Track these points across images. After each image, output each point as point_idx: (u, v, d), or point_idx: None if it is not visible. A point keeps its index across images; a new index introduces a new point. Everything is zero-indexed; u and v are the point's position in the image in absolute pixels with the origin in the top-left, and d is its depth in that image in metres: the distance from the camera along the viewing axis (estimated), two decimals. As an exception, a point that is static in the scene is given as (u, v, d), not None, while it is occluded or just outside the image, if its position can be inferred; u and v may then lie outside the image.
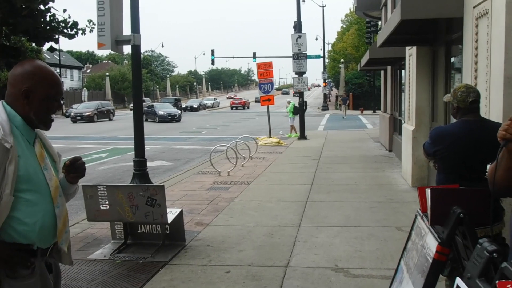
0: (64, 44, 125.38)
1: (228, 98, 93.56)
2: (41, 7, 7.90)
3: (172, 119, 43.15)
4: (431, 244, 3.28)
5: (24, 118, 2.69)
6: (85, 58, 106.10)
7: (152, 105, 48.58)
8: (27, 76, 2.68)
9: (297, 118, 25.85)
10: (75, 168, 2.90)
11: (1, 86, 32.56)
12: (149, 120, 42.41)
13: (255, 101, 76.37)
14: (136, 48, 10.08)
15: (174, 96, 77.74)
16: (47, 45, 8.76)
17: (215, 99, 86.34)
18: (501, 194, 2.87)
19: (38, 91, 2.69)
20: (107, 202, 6.68)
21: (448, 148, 4.26)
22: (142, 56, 12.97)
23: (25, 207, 2.61)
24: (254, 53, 51.85)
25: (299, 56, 23.73)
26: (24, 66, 2.73)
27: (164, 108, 45.87)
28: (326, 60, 66.98)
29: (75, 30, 8.60)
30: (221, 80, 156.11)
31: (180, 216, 7.06)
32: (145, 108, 45.22)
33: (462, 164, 4.19)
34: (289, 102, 27.02)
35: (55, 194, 2.76)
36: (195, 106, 67.75)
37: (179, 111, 47.36)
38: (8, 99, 2.69)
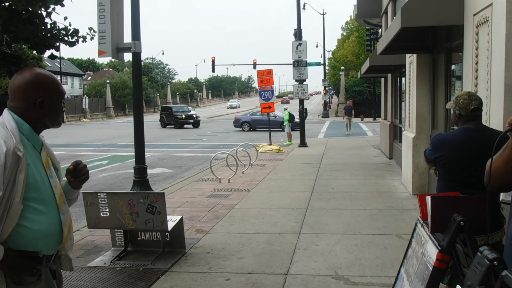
0: (65, 51, 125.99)
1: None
2: (42, 11, 7.89)
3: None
4: (432, 251, 3.27)
5: (33, 125, 2.73)
6: (85, 66, 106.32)
7: (275, 115, 40.72)
8: (36, 86, 2.71)
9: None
10: (78, 172, 2.93)
11: (2, 94, 32.65)
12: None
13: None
14: (136, 55, 10.10)
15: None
16: (47, 53, 8.75)
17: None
18: (496, 188, 2.82)
19: (50, 97, 2.75)
20: (107, 210, 6.68)
21: (449, 155, 4.26)
22: (142, 63, 12.99)
23: (33, 215, 2.63)
24: (255, 61, 51.90)
25: (300, 64, 23.76)
26: (27, 76, 2.72)
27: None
28: (327, 68, 67.03)
29: (75, 37, 8.60)
30: (222, 87, 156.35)
31: (180, 223, 7.06)
32: (253, 116, 41.36)
33: (462, 171, 4.19)
34: (285, 109, 27.07)
35: (60, 202, 2.79)
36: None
37: None
38: (18, 111, 2.70)
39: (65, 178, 2.98)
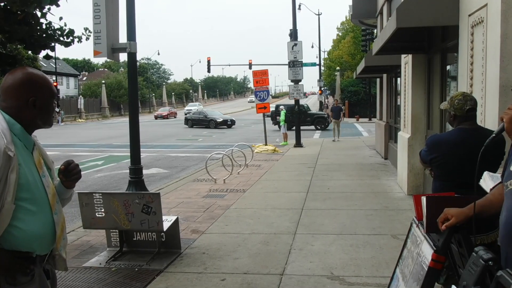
0: (60, 51, 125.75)
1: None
2: (37, 12, 7.86)
3: None
4: (427, 252, 3.27)
5: (25, 125, 2.71)
6: (81, 66, 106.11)
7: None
8: (29, 85, 2.70)
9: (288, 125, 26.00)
10: (70, 171, 2.92)
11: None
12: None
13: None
14: (132, 55, 10.07)
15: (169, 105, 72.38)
16: (43, 53, 8.72)
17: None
18: None
19: (42, 96, 2.74)
20: (102, 210, 6.67)
21: (444, 156, 4.27)
22: (138, 63, 12.96)
23: (25, 215, 2.62)
24: (250, 61, 51.89)
25: (295, 64, 23.77)
26: (19, 76, 2.71)
27: None
28: (322, 68, 67.09)
29: (71, 38, 8.58)
30: (217, 87, 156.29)
31: (175, 223, 7.05)
32: None
33: (458, 172, 4.19)
34: (282, 110, 27.02)
35: (53, 201, 2.78)
36: None
37: None
38: (10, 111, 2.69)
39: (58, 178, 2.97)
